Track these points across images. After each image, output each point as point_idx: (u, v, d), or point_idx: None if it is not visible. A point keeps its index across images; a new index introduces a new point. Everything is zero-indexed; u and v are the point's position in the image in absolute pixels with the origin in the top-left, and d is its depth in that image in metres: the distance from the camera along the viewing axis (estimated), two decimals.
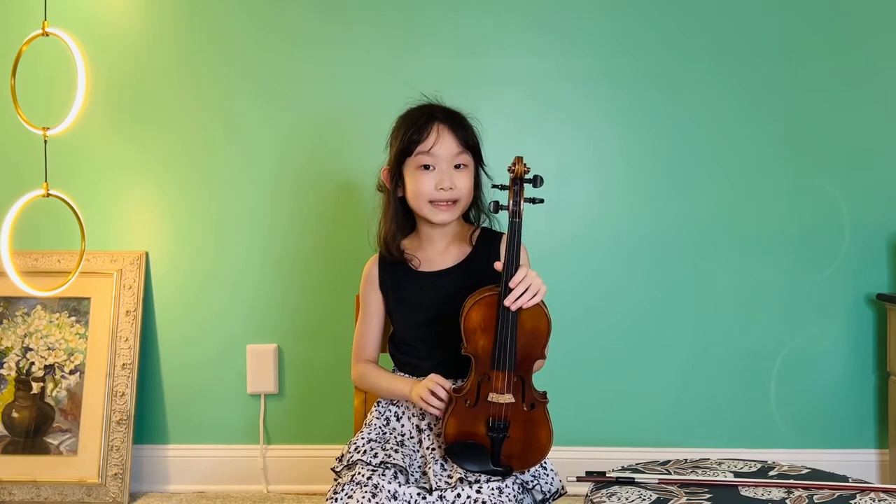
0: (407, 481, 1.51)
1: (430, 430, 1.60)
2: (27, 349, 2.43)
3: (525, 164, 1.50)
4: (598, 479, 1.46)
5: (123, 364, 2.40)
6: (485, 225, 1.71)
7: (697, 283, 2.45)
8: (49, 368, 2.42)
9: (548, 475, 1.57)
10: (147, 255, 2.48)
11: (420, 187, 1.59)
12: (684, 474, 1.48)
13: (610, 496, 1.38)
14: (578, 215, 2.45)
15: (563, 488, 1.59)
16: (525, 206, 1.49)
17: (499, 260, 1.53)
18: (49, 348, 2.43)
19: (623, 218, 2.45)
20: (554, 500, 1.57)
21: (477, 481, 1.48)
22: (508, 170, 1.51)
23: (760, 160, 2.43)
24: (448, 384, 1.53)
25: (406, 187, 1.62)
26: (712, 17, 2.42)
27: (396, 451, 1.55)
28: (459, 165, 1.61)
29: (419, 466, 1.56)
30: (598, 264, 2.45)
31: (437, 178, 1.59)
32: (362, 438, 1.61)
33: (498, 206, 1.50)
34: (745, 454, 2.39)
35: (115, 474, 2.37)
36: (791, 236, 2.44)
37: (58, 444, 2.40)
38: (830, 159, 2.43)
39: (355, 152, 2.44)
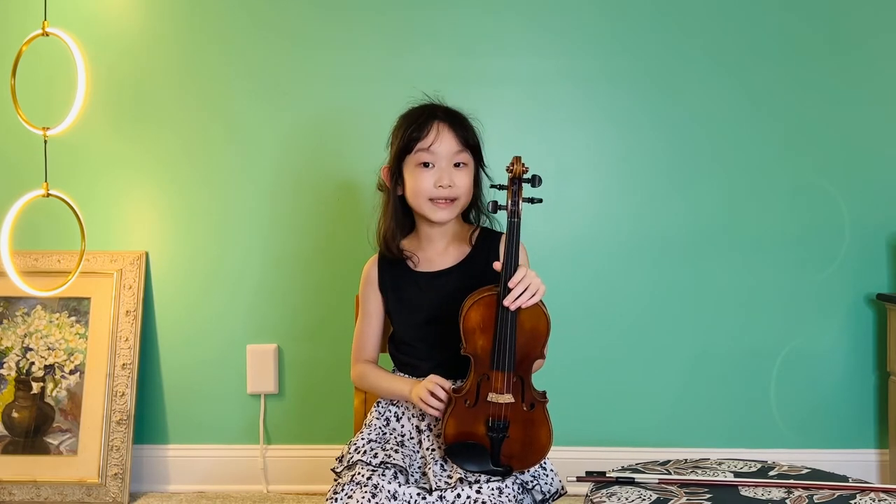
0: (407, 481, 1.51)
1: (430, 430, 1.60)
2: (27, 349, 2.43)
3: (523, 164, 1.50)
4: (598, 479, 1.46)
5: (123, 364, 2.40)
6: (484, 225, 1.71)
7: (697, 283, 2.45)
8: (49, 368, 2.42)
9: (547, 475, 1.57)
10: (147, 255, 2.48)
11: (419, 185, 1.59)
12: (684, 474, 1.48)
13: (610, 496, 1.38)
14: (578, 215, 2.45)
15: (563, 488, 1.58)
16: (524, 206, 1.49)
17: (498, 260, 1.53)
18: (49, 348, 2.43)
19: (623, 218, 2.45)
20: (554, 500, 1.57)
21: (477, 481, 1.48)
22: (507, 169, 1.51)
23: (760, 160, 2.43)
24: (447, 385, 1.53)
25: (406, 185, 1.62)
26: (712, 17, 2.42)
27: (396, 452, 1.55)
28: (459, 164, 1.61)
29: (419, 467, 1.56)
30: (598, 264, 2.45)
31: (436, 176, 1.59)
32: (362, 439, 1.61)
33: (497, 206, 1.50)
34: (745, 454, 2.39)
35: (115, 474, 2.37)
36: (791, 236, 2.44)
37: (58, 444, 2.40)
38: (830, 159, 2.43)
39: (355, 152, 2.44)
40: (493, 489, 1.46)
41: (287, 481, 2.49)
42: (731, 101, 2.43)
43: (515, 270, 1.45)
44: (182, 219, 2.48)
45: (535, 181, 1.48)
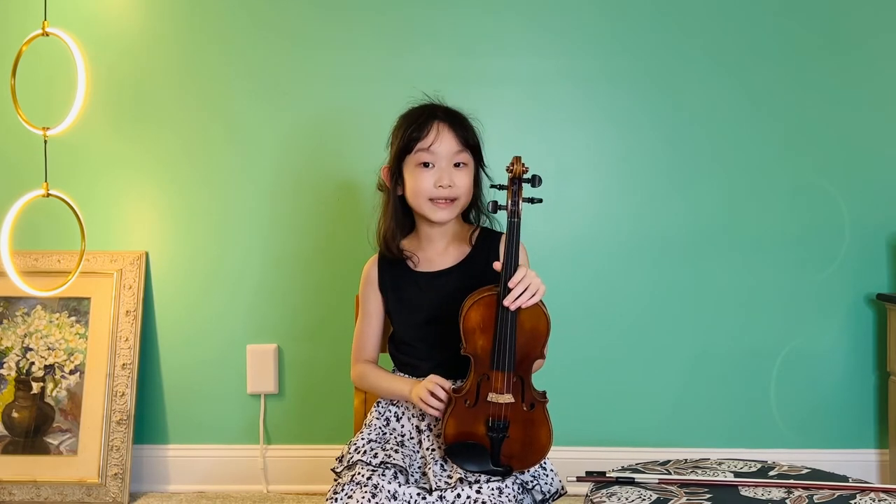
0: (407, 481, 1.51)
1: (430, 430, 1.60)
2: (27, 349, 2.43)
3: (523, 164, 1.49)
4: (598, 479, 1.46)
5: (123, 364, 2.40)
6: (484, 225, 1.71)
7: (697, 283, 2.45)
8: (49, 368, 2.42)
9: (547, 475, 1.57)
10: (147, 255, 2.48)
11: (419, 185, 1.59)
12: (684, 474, 1.48)
13: (610, 496, 1.38)
14: (578, 215, 2.45)
15: (563, 488, 1.58)
16: (524, 206, 1.49)
17: (498, 260, 1.53)
18: (49, 348, 2.43)
19: (623, 218, 2.45)
20: (554, 500, 1.57)
21: (477, 481, 1.48)
22: (507, 170, 1.51)
23: (760, 160, 2.43)
24: (447, 385, 1.53)
25: (406, 185, 1.62)
26: (712, 17, 2.42)
27: (396, 452, 1.55)
28: (459, 164, 1.61)
29: (419, 467, 1.56)
30: (598, 264, 2.45)
31: (436, 176, 1.59)
32: (362, 439, 1.61)
33: (496, 206, 1.50)
34: (745, 454, 2.39)
35: (115, 474, 2.37)
36: (791, 236, 2.44)
37: (58, 444, 2.40)
38: (830, 159, 2.43)
39: (355, 152, 2.44)
40: (493, 489, 1.46)
41: (287, 481, 2.49)
42: (731, 101, 2.43)
43: (515, 270, 1.45)
44: (182, 219, 2.48)
45: (535, 181, 1.48)
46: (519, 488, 1.52)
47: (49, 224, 2.44)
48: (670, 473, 1.49)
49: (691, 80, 2.42)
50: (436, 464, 1.54)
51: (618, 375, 2.46)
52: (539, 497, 1.55)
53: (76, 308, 2.45)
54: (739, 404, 2.46)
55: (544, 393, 1.52)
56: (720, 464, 1.55)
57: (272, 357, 2.47)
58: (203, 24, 2.45)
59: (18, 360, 2.43)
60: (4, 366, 2.43)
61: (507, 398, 1.47)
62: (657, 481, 1.44)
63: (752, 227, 2.44)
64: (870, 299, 2.44)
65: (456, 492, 1.46)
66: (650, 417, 2.46)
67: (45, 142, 2.07)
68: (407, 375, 1.65)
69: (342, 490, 1.49)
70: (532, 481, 1.55)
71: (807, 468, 1.53)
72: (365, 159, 2.36)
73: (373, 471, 1.50)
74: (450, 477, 1.51)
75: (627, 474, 1.47)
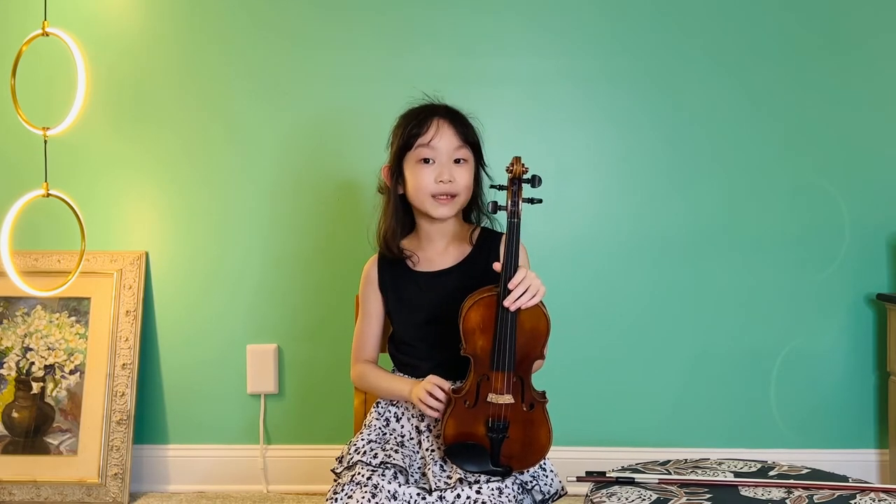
0: (407, 482, 1.51)
1: (430, 431, 1.60)
2: (27, 349, 2.43)
3: (523, 164, 1.49)
4: (598, 479, 1.46)
5: (123, 364, 2.40)
6: (485, 225, 1.71)
7: (697, 283, 2.45)
8: (49, 368, 2.42)
9: (547, 476, 1.57)
10: (147, 255, 2.48)
11: (420, 181, 1.59)
12: (684, 474, 1.48)
13: (610, 496, 1.38)
14: (578, 215, 2.45)
15: (563, 489, 1.58)
16: (524, 207, 1.49)
17: (498, 260, 1.53)
18: (49, 348, 2.43)
19: (623, 218, 2.45)
20: (554, 500, 1.57)
21: (476, 482, 1.48)
22: (507, 170, 1.50)
23: (760, 160, 2.43)
24: (447, 385, 1.53)
25: (407, 183, 1.63)
26: (712, 17, 2.42)
27: (396, 452, 1.55)
28: (459, 160, 1.61)
29: (419, 467, 1.56)
30: (598, 264, 2.45)
31: (436, 171, 1.59)
32: (362, 439, 1.61)
33: (497, 207, 1.50)
34: (745, 454, 2.39)
35: (115, 474, 2.37)
36: (791, 236, 2.44)
37: (58, 444, 2.40)
38: (830, 159, 2.43)
39: (355, 152, 2.44)
40: (492, 489, 1.46)
41: (287, 481, 2.49)
42: (731, 101, 2.43)
43: (515, 271, 1.45)
44: (182, 219, 2.48)
45: (535, 181, 1.48)
46: (519, 488, 1.52)
47: (49, 224, 2.44)
48: (670, 473, 1.49)
49: (691, 80, 2.42)
50: (435, 464, 1.54)
51: (618, 375, 2.46)
52: (539, 497, 1.55)
53: (76, 308, 2.45)
54: (739, 404, 2.46)
55: (544, 393, 1.52)
56: (720, 464, 1.55)
57: (272, 357, 2.47)
58: (203, 24, 2.45)
59: (18, 360, 2.43)
60: (4, 366, 2.43)
61: (507, 399, 1.47)
62: (657, 481, 1.44)
63: (752, 227, 2.44)
64: (870, 299, 2.44)
65: (456, 492, 1.46)
66: (650, 417, 2.46)
67: (45, 142, 2.07)
68: (407, 376, 1.65)
69: (342, 490, 1.49)
70: (531, 481, 1.55)
71: (807, 468, 1.53)
72: (365, 159, 2.37)
73: (373, 471, 1.50)
74: (449, 477, 1.51)
75: (627, 474, 1.47)
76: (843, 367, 2.45)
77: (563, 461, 1.76)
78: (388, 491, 1.45)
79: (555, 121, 2.44)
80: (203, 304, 2.48)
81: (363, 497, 1.44)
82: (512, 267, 1.46)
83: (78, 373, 2.42)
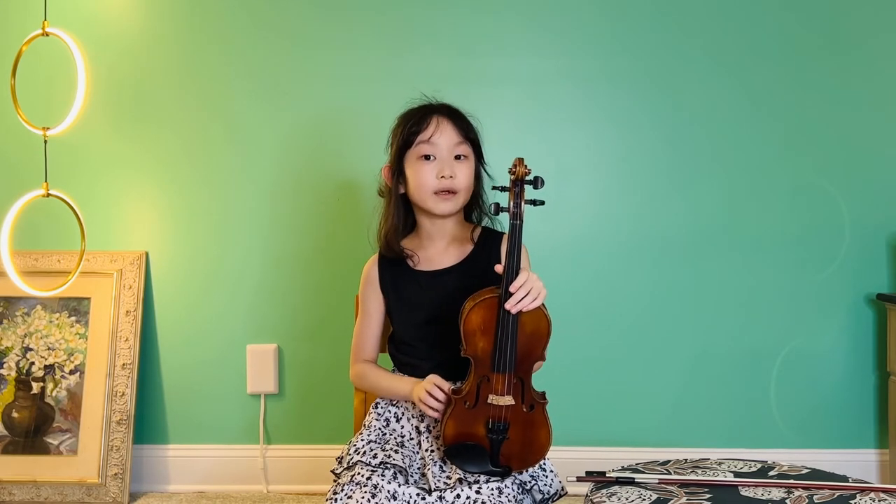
0: (406, 482, 1.51)
1: (429, 432, 1.60)
2: (27, 349, 2.43)
3: (526, 166, 1.49)
4: (598, 479, 1.46)
5: (123, 364, 2.40)
6: (485, 224, 1.71)
7: (697, 283, 2.45)
8: (49, 368, 2.42)
9: (547, 476, 1.57)
10: (147, 255, 2.48)
11: (421, 178, 1.59)
12: (684, 474, 1.48)
13: (610, 496, 1.38)
14: (578, 215, 2.45)
15: (562, 489, 1.58)
16: (526, 208, 1.48)
17: (499, 261, 1.53)
18: (49, 348, 2.43)
19: (623, 218, 2.45)
20: (554, 500, 1.57)
21: (476, 482, 1.48)
22: (509, 171, 1.50)
23: (760, 160, 2.43)
24: (447, 386, 1.53)
25: (408, 181, 1.63)
26: (712, 17, 2.42)
27: (396, 452, 1.55)
28: (460, 156, 1.62)
29: (418, 468, 1.56)
30: (598, 264, 2.45)
31: (437, 168, 1.59)
32: (362, 440, 1.61)
33: (499, 209, 1.50)
34: (745, 454, 2.39)
35: (115, 474, 2.37)
36: (791, 236, 2.44)
37: (58, 444, 2.40)
38: (830, 159, 2.43)
39: (355, 152, 2.44)
40: (492, 489, 1.46)
41: (287, 481, 2.49)
42: (731, 101, 2.43)
43: (517, 274, 1.45)
44: (182, 219, 2.48)
45: (538, 183, 1.48)
46: (518, 488, 1.52)
47: (49, 224, 2.44)
48: (670, 473, 1.49)
49: (691, 80, 2.42)
50: (435, 465, 1.54)
51: (618, 375, 2.46)
52: (538, 497, 1.55)
53: (76, 308, 2.45)
54: (739, 404, 2.46)
55: (544, 394, 1.52)
56: (720, 464, 1.55)
57: (272, 357, 2.47)
58: (203, 24, 2.45)
59: (18, 360, 2.43)
60: (4, 366, 2.43)
61: (508, 400, 1.47)
62: (657, 481, 1.44)
63: (752, 227, 2.44)
64: (870, 299, 2.44)
65: (455, 492, 1.46)
66: (650, 417, 2.46)
67: (45, 142, 2.07)
68: (407, 376, 1.65)
69: (342, 490, 1.49)
70: (531, 481, 1.55)
71: (807, 468, 1.53)
72: (365, 159, 2.37)
73: (372, 471, 1.50)
74: (449, 478, 1.51)
75: (627, 474, 1.47)
76: (843, 367, 2.45)
77: (563, 461, 1.76)
78: (388, 491, 1.45)
79: (555, 121, 2.44)
80: (203, 304, 2.48)
81: (363, 497, 1.44)
82: (514, 269, 1.45)
83: (78, 373, 2.42)
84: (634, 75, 2.43)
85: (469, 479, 1.49)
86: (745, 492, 1.39)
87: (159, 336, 2.49)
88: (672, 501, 1.35)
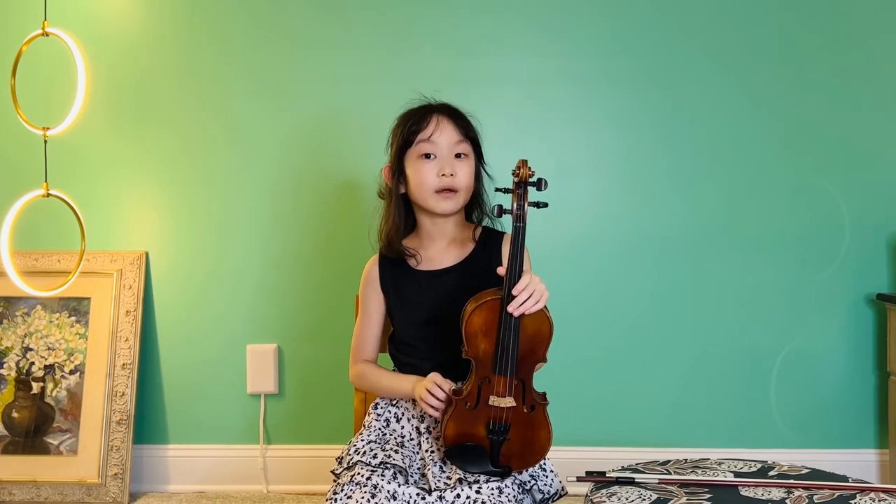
0: (406, 482, 1.51)
1: (430, 432, 1.59)
2: (27, 349, 2.43)
3: (530, 168, 1.48)
4: (598, 479, 1.46)
5: (123, 364, 2.40)
6: (485, 224, 1.71)
7: (697, 283, 2.45)
8: (49, 368, 2.42)
9: (547, 476, 1.57)
10: (147, 255, 2.48)
11: (422, 177, 1.59)
12: (684, 474, 1.48)
13: (610, 496, 1.38)
14: (578, 215, 2.45)
15: (563, 489, 1.58)
16: (529, 210, 1.48)
17: (499, 260, 1.53)
18: (49, 348, 2.43)
19: (623, 218, 2.45)
20: (554, 500, 1.57)
21: (476, 482, 1.48)
22: (513, 174, 1.49)
23: (760, 160, 2.43)
24: (448, 385, 1.52)
25: (408, 181, 1.63)
26: (712, 17, 2.42)
27: (396, 452, 1.55)
28: (460, 155, 1.62)
29: (418, 468, 1.56)
30: (598, 264, 2.45)
31: (438, 166, 1.59)
32: (362, 440, 1.61)
33: (502, 211, 1.49)
34: (745, 454, 2.39)
35: (115, 474, 2.37)
36: (791, 236, 2.44)
37: (58, 444, 2.40)
38: (830, 159, 2.43)
39: (355, 152, 2.44)
40: (492, 489, 1.46)
41: (287, 481, 2.49)
42: (731, 101, 2.43)
43: (520, 276, 1.45)
44: (182, 219, 2.48)
45: (542, 185, 1.47)
46: (518, 488, 1.52)
47: (49, 224, 2.44)
48: (670, 473, 1.49)
49: (691, 80, 2.42)
50: (435, 465, 1.54)
51: (618, 375, 2.46)
52: (538, 497, 1.55)
53: (76, 308, 2.45)
54: (739, 404, 2.46)
55: (545, 395, 1.52)
56: (720, 464, 1.56)
57: (272, 357, 2.47)
58: (203, 24, 2.45)
59: (18, 360, 2.43)
60: (4, 366, 2.43)
61: (509, 402, 1.46)
62: (657, 481, 1.44)
63: (752, 227, 2.44)
64: (870, 299, 2.44)
65: (455, 492, 1.46)
66: (650, 417, 2.46)
67: (45, 142, 2.07)
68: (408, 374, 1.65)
69: (342, 490, 1.49)
70: (530, 481, 1.55)
71: (807, 468, 1.53)
72: (365, 159, 2.37)
73: (372, 471, 1.50)
74: (449, 478, 1.51)
75: (627, 474, 1.47)
76: (843, 367, 2.45)
77: (563, 461, 1.76)
78: (388, 491, 1.45)
79: (555, 121, 2.44)
80: (203, 304, 2.48)
81: (363, 497, 1.44)
82: (516, 272, 1.45)
83: (78, 373, 2.42)
84: (634, 75, 2.43)
85: (469, 479, 1.49)
86: (745, 492, 1.39)
87: (159, 336, 2.49)
88: (672, 501, 1.35)
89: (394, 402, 1.66)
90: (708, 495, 1.38)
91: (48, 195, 2.08)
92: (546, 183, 1.48)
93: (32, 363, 2.43)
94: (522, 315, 1.45)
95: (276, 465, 2.49)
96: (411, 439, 1.61)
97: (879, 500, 1.36)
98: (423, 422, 1.61)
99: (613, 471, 1.49)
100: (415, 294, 1.65)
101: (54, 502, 2.36)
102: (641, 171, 2.45)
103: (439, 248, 1.67)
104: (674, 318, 2.45)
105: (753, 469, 1.52)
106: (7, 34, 2.41)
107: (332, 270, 2.46)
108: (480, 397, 1.48)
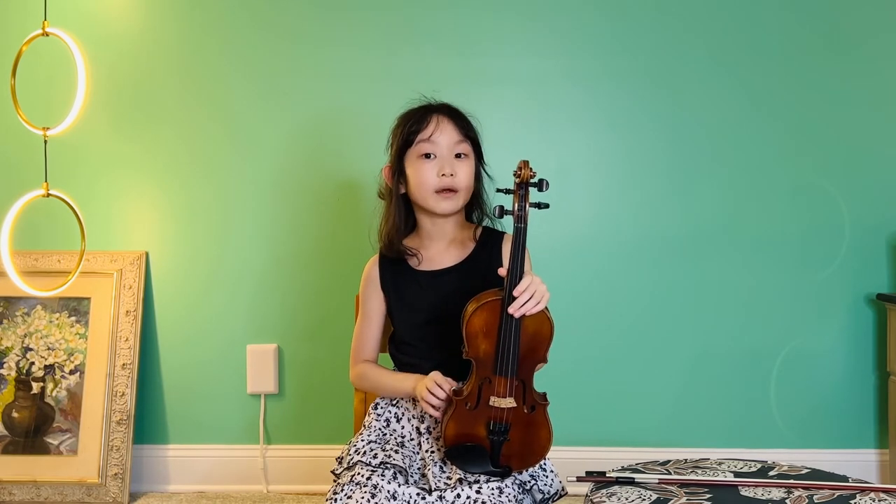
0: (406, 482, 1.51)
1: (430, 433, 1.59)
2: (27, 349, 2.43)
3: (531, 169, 1.47)
4: (598, 479, 1.46)
5: (123, 364, 2.40)
6: (485, 224, 1.71)
7: (697, 283, 2.45)
8: (49, 368, 2.42)
9: (547, 476, 1.57)
10: (147, 255, 2.48)
11: (422, 177, 1.59)
12: (684, 474, 1.48)
13: (610, 496, 1.38)
14: (578, 215, 2.45)
15: (563, 489, 1.58)
16: (530, 211, 1.48)
17: (499, 260, 1.52)
18: (49, 348, 2.43)
19: (623, 218, 2.45)
20: (554, 500, 1.57)
21: (476, 482, 1.48)
22: (514, 174, 1.48)
23: (760, 160, 2.43)
24: (448, 384, 1.52)
25: (409, 181, 1.63)
26: (712, 16, 2.42)
27: (396, 452, 1.55)
28: (460, 155, 1.62)
29: (419, 468, 1.56)
30: (598, 264, 2.45)
31: (438, 166, 1.59)
32: (362, 440, 1.61)
33: (503, 212, 1.49)
34: (745, 454, 2.39)
35: (115, 474, 2.37)
36: (791, 236, 2.44)
37: (58, 444, 2.40)
38: (830, 159, 2.43)
39: (355, 152, 2.44)
40: (492, 489, 1.46)
41: (287, 481, 2.49)
42: (731, 101, 2.43)
43: (521, 277, 1.45)
44: (182, 219, 2.48)
45: (543, 185, 1.47)
46: (518, 488, 1.52)
47: (49, 224, 2.44)
48: (670, 473, 1.49)
49: (691, 80, 2.42)
50: (435, 465, 1.54)
51: (618, 375, 2.46)
52: (539, 497, 1.55)
53: (76, 308, 2.45)
54: (739, 404, 2.46)
55: (545, 395, 1.52)
56: (720, 464, 1.56)
57: (272, 357, 2.47)
58: (203, 24, 2.45)
59: (18, 360, 2.43)
60: (4, 366, 2.43)
61: (510, 402, 1.46)
62: (657, 481, 1.44)
63: (752, 227, 2.44)
64: (870, 299, 2.44)
65: (456, 492, 1.46)
66: (650, 417, 2.46)
67: (45, 142, 2.07)
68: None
69: (342, 490, 1.49)
70: (531, 481, 1.55)
71: (807, 468, 1.53)
72: (365, 159, 2.37)
73: (372, 471, 1.50)
74: (449, 478, 1.51)
75: (627, 474, 1.47)
76: (843, 367, 2.45)
77: (563, 461, 1.76)
78: (388, 491, 1.45)
79: (555, 121, 2.44)
80: (203, 304, 2.48)
81: (363, 497, 1.44)
82: (517, 273, 1.45)
83: (78, 373, 2.42)
84: (634, 75, 2.43)
85: (469, 479, 1.49)
86: (745, 492, 1.40)
87: (159, 336, 2.49)
88: (672, 501, 1.35)
89: (394, 402, 1.66)
90: (708, 495, 1.38)
91: (48, 195, 2.08)
92: (547, 184, 1.47)
93: (32, 363, 2.43)
94: (523, 316, 1.45)
95: (276, 465, 2.49)
96: (411, 439, 1.61)
97: (879, 500, 1.36)
98: (423, 422, 1.61)
99: (613, 471, 1.49)
100: (415, 294, 1.65)
101: (54, 502, 2.36)
102: (641, 171, 2.45)
103: (439, 249, 1.67)
104: (674, 318, 2.45)
105: (753, 469, 1.52)
106: (7, 34, 2.41)
107: (332, 270, 2.46)
108: (481, 398, 1.48)
